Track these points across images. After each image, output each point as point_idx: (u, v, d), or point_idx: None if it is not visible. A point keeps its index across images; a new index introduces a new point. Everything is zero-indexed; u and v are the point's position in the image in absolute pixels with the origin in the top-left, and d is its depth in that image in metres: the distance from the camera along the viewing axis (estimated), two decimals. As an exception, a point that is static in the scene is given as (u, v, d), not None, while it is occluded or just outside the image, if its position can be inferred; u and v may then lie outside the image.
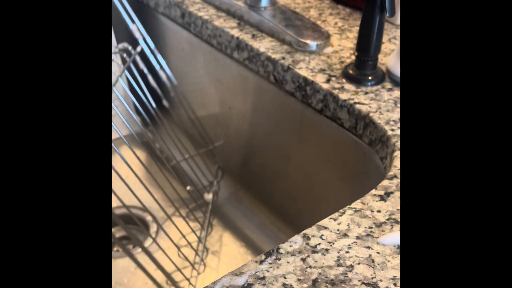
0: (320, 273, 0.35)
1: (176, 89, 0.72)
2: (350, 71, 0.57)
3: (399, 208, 0.40)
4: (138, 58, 0.68)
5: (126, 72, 0.70)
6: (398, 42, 0.65)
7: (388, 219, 0.39)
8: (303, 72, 0.58)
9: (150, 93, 0.70)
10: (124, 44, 0.67)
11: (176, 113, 0.72)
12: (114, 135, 0.72)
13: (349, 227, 0.39)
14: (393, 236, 0.37)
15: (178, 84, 0.70)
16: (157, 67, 0.70)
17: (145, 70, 0.68)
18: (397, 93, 0.55)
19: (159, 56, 0.68)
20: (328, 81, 0.56)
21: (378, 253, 0.37)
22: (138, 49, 0.67)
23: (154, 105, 0.71)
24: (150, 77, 0.69)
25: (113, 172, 0.61)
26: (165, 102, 0.72)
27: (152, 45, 0.68)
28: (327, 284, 0.34)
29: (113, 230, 0.69)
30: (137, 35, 0.67)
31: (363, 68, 0.56)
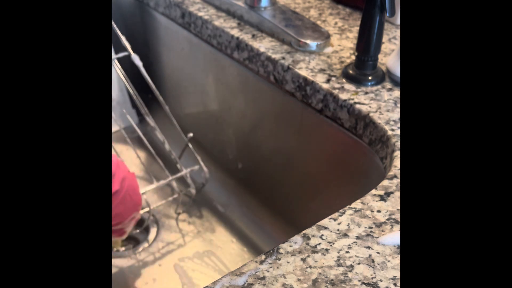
0: (320, 273, 0.35)
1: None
2: (350, 71, 0.57)
3: (399, 208, 0.40)
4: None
5: (120, 67, 0.69)
6: (398, 42, 0.65)
7: (388, 219, 0.39)
8: (303, 72, 0.58)
9: (145, 88, 0.70)
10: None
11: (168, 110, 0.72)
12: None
13: (349, 227, 0.39)
14: (393, 236, 0.37)
15: (177, 83, 0.70)
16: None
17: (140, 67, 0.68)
18: (397, 93, 0.55)
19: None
20: (328, 81, 0.56)
21: (378, 253, 0.37)
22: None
23: (149, 97, 0.71)
24: (144, 72, 0.69)
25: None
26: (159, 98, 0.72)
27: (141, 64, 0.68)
28: (327, 284, 0.34)
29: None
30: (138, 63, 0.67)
31: (363, 68, 0.56)
